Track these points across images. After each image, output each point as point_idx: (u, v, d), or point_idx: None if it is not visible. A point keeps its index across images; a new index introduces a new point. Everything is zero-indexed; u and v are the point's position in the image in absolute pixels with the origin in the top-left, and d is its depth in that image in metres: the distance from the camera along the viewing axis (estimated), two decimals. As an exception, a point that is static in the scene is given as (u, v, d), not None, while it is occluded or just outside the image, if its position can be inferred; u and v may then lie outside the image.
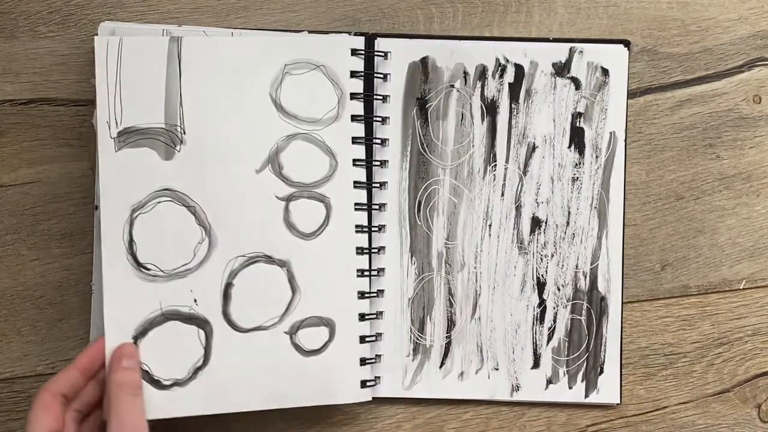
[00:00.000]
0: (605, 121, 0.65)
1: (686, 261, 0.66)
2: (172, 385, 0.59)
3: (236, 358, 0.60)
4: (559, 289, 0.65)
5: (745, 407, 0.66)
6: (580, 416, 0.65)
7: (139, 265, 0.59)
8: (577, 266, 0.65)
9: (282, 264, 0.61)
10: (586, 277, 0.65)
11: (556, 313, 0.65)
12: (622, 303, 0.65)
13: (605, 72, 0.65)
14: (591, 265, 0.65)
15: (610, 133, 0.65)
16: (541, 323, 0.65)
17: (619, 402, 0.65)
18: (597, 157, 0.65)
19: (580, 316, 0.65)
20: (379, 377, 0.64)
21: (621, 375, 0.65)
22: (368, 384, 0.62)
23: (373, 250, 0.64)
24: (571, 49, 0.65)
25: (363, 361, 0.62)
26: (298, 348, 0.61)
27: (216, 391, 0.60)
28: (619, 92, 0.65)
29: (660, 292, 0.66)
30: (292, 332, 0.61)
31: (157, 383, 0.59)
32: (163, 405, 0.59)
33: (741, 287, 0.66)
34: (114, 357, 0.57)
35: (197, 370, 0.60)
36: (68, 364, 0.57)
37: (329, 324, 0.62)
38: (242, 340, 0.60)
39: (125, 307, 0.59)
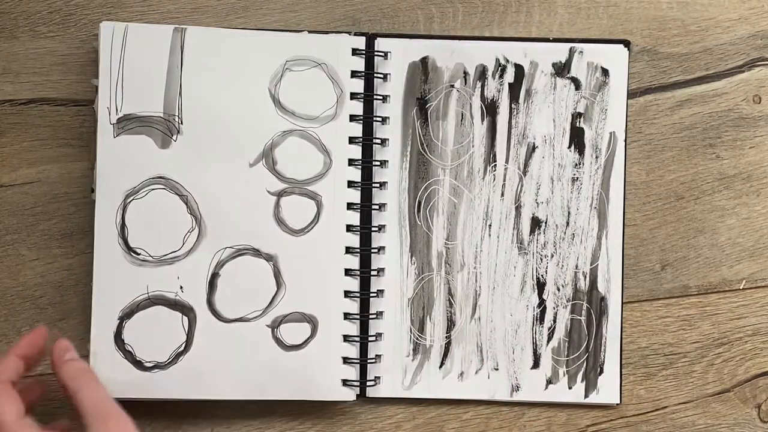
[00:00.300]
0: (605, 121, 0.65)
1: (686, 261, 0.66)
2: (153, 368, 0.60)
3: (217, 346, 0.61)
4: (558, 290, 0.65)
5: (745, 407, 0.66)
6: (580, 416, 0.65)
7: (129, 249, 0.60)
8: (576, 266, 0.65)
9: (269, 258, 0.61)
10: (586, 277, 0.65)
11: (555, 314, 0.65)
12: (622, 303, 0.65)
13: (605, 72, 0.65)
14: (591, 265, 0.65)
15: (610, 133, 0.65)
16: (540, 323, 0.65)
17: (619, 402, 0.65)
18: (597, 157, 0.65)
19: (580, 316, 0.65)
20: (379, 377, 0.64)
21: (621, 375, 0.65)
22: (350, 383, 0.62)
23: (372, 250, 0.64)
24: (571, 49, 0.65)
25: (346, 360, 0.62)
26: (279, 342, 0.61)
27: (195, 378, 0.60)
28: (619, 92, 0.65)
29: (660, 292, 0.66)
30: (274, 326, 0.61)
31: (139, 364, 0.60)
32: (144, 386, 0.60)
33: (741, 287, 0.66)
34: (55, 355, 0.57)
35: (178, 356, 0.61)
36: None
37: (312, 321, 0.62)
38: (224, 330, 0.61)
39: (113, 289, 0.60)
